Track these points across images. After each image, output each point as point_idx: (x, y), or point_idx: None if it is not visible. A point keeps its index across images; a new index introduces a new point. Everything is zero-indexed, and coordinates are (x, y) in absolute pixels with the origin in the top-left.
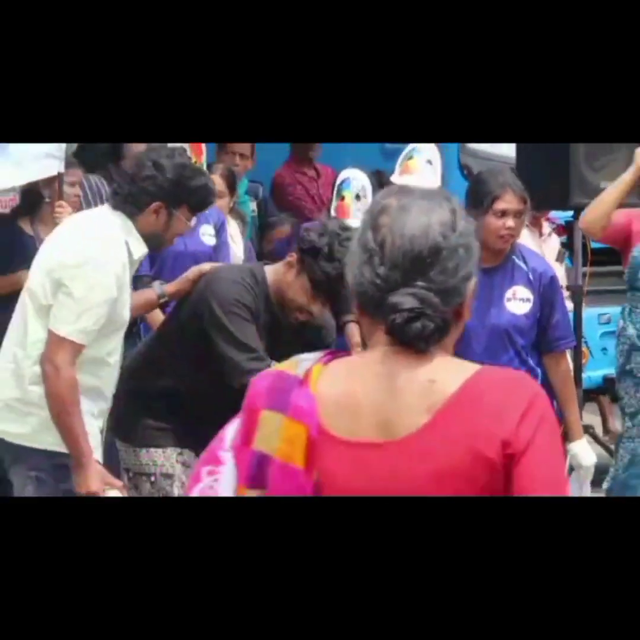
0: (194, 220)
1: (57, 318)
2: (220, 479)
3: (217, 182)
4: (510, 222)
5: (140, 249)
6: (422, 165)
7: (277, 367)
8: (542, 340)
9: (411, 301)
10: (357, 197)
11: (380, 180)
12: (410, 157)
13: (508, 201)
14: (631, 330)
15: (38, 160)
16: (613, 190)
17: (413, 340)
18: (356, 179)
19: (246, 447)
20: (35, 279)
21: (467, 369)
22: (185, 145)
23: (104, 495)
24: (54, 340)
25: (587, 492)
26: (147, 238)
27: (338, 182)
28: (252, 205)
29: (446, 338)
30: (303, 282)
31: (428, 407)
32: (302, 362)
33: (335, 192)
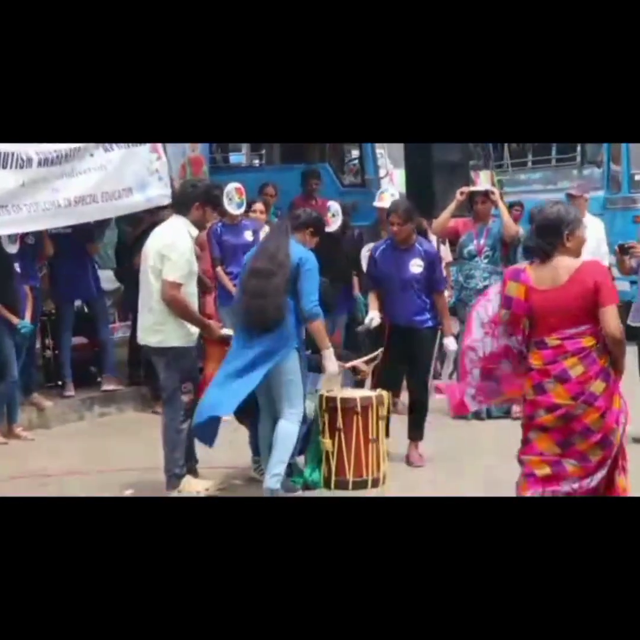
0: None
1: (168, 272)
2: (492, 299)
3: (259, 208)
4: (394, 228)
5: (193, 231)
6: (389, 197)
7: (514, 266)
8: (430, 286)
9: (537, 242)
10: (333, 215)
11: (344, 208)
12: (383, 192)
13: (392, 217)
14: (460, 278)
15: (161, 199)
16: (446, 212)
17: (544, 255)
18: (334, 207)
19: (503, 291)
20: (152, 256)
21: (580, 260)
22: (233, 187)
23: (225, 334)
24: (167, 283)
25: (449, 365)
26: (195, 224)
27: (327, 206)
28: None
29: (567, 252)
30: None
31: (567, 273)
32: (522, 264)
33: (327, 212)
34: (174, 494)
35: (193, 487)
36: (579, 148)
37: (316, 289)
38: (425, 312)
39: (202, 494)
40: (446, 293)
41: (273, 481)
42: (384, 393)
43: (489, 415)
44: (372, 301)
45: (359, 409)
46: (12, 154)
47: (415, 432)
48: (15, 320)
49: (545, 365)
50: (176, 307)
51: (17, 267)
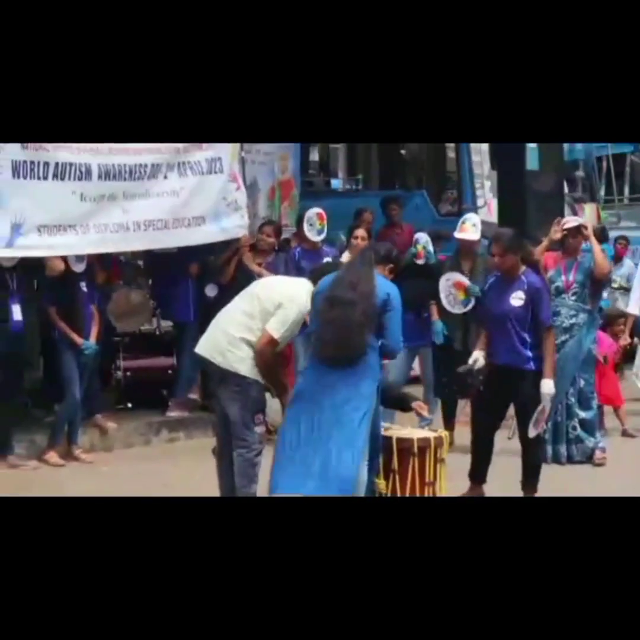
0: None
1: (274, 325)
2: None
3: (361, 234)
4: (495, 259)
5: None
6: (470, 227)
7: None
8: (535, 323)
9: None
10: (424, 248)
11: (436, 236)
12: (464, 222)
13: (493, 248)
14: None
15: (237, 230)
16: (539, 248)
17: None
18: (423, 238)
19: None
20: (267, 292)
21: None
22: (314, 212)
23: None
24: (268, 336)
25: (545, 411)
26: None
27: (415, 239)
28: None
29: None
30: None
31: None
32: None
33: (414, 243)
34: None
35: None
36: None
37: (400, 326)
38: (524, 351)
39: None
40: None
41: None
42: (444, 433)
43: (570, 460)
44: (480, 341)
45: (415, 450)
46: (71, 165)
47: (525, 485)
48: (79, 340)
49: None
50: (263, 362)
51: (83, 286)
